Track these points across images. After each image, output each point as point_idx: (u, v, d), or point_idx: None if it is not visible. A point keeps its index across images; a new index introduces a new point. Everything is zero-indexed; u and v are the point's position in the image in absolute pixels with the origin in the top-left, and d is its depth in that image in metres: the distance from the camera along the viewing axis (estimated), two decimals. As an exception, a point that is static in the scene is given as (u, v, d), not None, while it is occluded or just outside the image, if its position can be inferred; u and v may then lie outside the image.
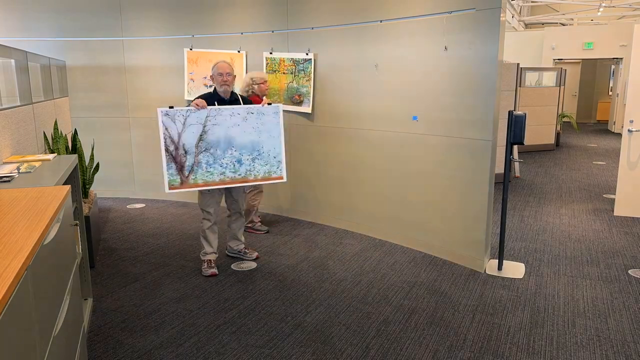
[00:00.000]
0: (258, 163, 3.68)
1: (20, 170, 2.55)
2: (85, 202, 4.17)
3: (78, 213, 3.14)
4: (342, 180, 4.79)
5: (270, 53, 5.00)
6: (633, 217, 5.22)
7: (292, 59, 4.86)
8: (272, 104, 3.70)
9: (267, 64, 5.05)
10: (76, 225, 2.88)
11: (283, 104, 4.87)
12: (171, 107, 3.47)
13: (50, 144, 3.97)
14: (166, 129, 3.47)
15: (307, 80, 4.77)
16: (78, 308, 2.10)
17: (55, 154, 3.80)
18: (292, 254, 4.18)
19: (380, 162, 4.44)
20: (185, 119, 3.50)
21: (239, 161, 3.63)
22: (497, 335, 2.87)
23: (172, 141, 3.49)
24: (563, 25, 15.08)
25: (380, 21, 4.25)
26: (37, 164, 2.71)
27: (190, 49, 5.48)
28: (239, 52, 5.21)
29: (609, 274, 3.75)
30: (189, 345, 2.77)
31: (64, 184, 2.61)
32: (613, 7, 12.19)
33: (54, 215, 1.66)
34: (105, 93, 5.91)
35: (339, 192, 4.85)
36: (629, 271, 3.79)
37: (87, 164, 4.44)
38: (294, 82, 4.85)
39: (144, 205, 5.79)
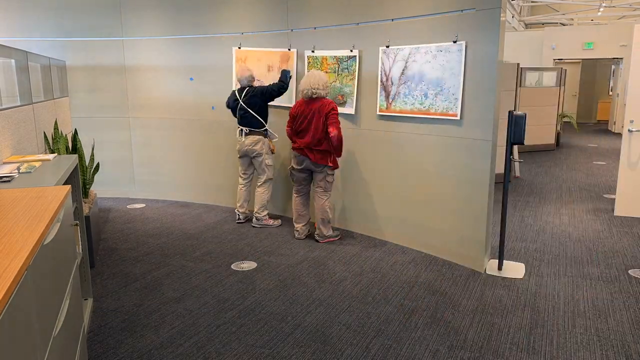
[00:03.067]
0: (439, 98, 3.90)
1: (20, 170, 2.54)
2: (85, 202, 4.17)
3: (78, 213, 3.14)
4: (342, 181, 4.79)
5: (312, 51, 4.77)
6: (633, 217, 5.22)
7: (334, 56, 4.60)
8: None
9: (308, 63, 4.81)
10: (76, 225, 2.88)
11: None
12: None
13: (51, 144, 3.97)
14: (382, 63, 4.21)
15: (350, 79, 4.51)
16: (78, 308, 2.10)
17: (56, 154, 3.80)
18: (292, 254, 4.18)
19: (381, 162, 4.44)
20: (395, 56, 4.12)
21: (426, 95, 3.98)
22: (497, 335, 2.87)
23: (385, 73, 4.22)
24: (563, 25, 15.08)
25: (380, 21, 4.25)
26: (37, 164, 2.71)
27: (239, 48, 5.26)
28: (289, 50, 4.96)
29: (609, 274, 3.75)
30: (189, 345, 2.77)
31: (64, 184, 2.61)
32: (613, 7, 12.19)
33: (54, 215, 1.66)
34: (105, 93, 5.91)
35: (339, 192, 4.85)
36: (629, 271, 3.79)
37: (87, 164, 4.44)
38: (337, 81, 4.63)
39: (144, 205, 5.79)
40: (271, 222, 4.92)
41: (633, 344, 2.77)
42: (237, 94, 4.80)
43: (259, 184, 4.90)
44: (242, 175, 5.00)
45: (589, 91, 16.53)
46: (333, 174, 4.41)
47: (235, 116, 4.86)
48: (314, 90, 4.20)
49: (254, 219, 4.91)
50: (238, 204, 5.03)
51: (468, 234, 3.88)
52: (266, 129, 4.79)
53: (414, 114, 4.07)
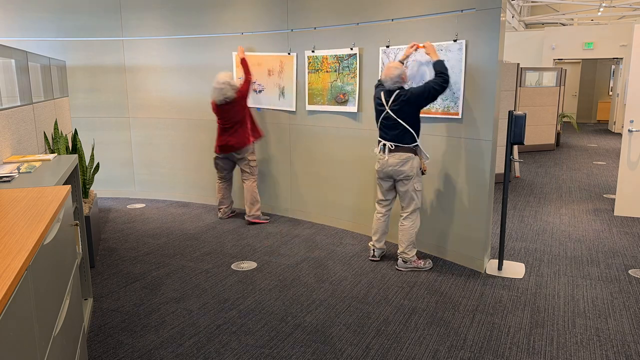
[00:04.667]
0: (440, 97, 3.82)
1: (21, 170, 2.54)
2: (85, 202, 4.17)
3: (78, 213, 3.14)
4: (342, 180, 4.80)
5: (313, 51, 4.76)
6: (633, 217, 5.22)
7: (335, 55, 4.57)
8: (457, 41, 3.69)
9: (309, 62, 4.80)
10: (76, 225, 2.88)
11: (327, 104, 4.73)
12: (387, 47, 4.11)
13: (51, 144, 3.97)
14: (383, 64, 4.17)
15: (352, 77, 4.50)
16: (78, 308, 2.10)
17: (56, 154, 3.80)
18: (292, 254, 4.18)
19: (380, 162, 4.44)
20: (396, 56, 4.07)
21: None
22: (497, 335, 2.87)
23: None
24: (563, 25, 15.08)
25: (380, 21, 4.25)
26: (37, 164, 2.71)
27: None
28: (289, 54, 4.94)
29: (609, 274, 3.75)
30: (189, 345, 2.77)
31: (64, 184, 2.61)
32: (613, 7, 12.20)
33: (54, 215, 1.66)
34: (105, 93, 5.91)
35: (339, 192, 4.85)
36: (629, 271, 3.79)
37: (87, 164, 4.44)
38: (338, 79, 4.62)
39: (144, 205, 5.79)
40: (421, 263, 3.85)
41: (633, 344, 2.77)
42: (383, 96, 3.75)
43: (404, 215, 3.86)
44: (380, 202, 3.99)
45: (589, 91, 16.53)
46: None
47: (378, 121, 3.83)
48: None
49: (399, 261, 3.85)
50: (375, 238, 4.03)
51: (468, 234, 3.88)
52: (417, 145, 3.75)
53: None
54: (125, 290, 3.50)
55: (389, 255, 4.12)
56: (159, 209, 5.63)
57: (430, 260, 3.94)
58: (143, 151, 6.02)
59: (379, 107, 3.78)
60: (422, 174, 3.82)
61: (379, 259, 4.04)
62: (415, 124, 3.69)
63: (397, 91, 3.66)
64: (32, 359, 1.26)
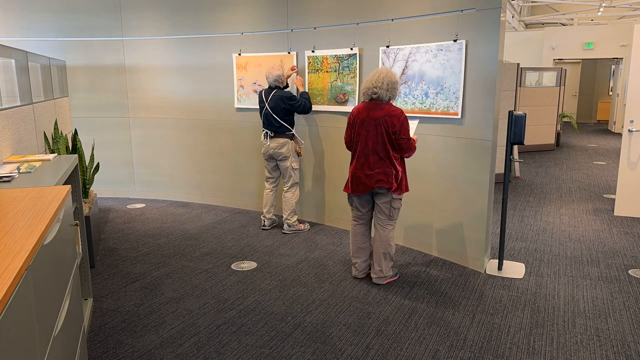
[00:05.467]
0: (440, 97, 3.90)
1: (21, 170, 2.54)
2: (85, 202, 4.17)
3: (78, 213, 3.14)
4: (342, 180, 4.79)
5: (312, 51, 4.76)
6: (633, 217, 5.22)
7: (335, 55, 4.59)
8: (457, 41, 3.73)
9: (309, 62, 4.81)
10: (76, 225, 2.88)
11: (327, 104, 4.74)
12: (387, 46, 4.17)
13: (51, 144, 3.97)
14: (382, 64, 4.24)
15: (352, 77, 4.51)
16: (78, 308, 2.10)
17: (56, 154, 3.80)
18: (292, 254, 4.18)
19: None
20: (395, 56, 4.13)
21: (426, 94, 3.98)
22: (497, 335, 2.87)
23: None
24: (563, 25, 15.08)
25: (380, 21, 4.25)
26: (37, 164, 2.71)
27: (239, 54, 5.26)
28: (289, 53, 4.95)
29: (609, 274, 3.75)
30: (189, 345, 2.77)
31: (64, 184, 2.61)
32: (613, 7, 12.20)
33: (54, 215, 1.66)
34: (105, 93, 5.91)
35: (339, 192, 4.85)
36: (629, 271, 3.79)
37: (87, 164, 4.44)
38: (338, 79, 4.65)
39: (144, 205, 5.79)
40: (302, 226, 4.77)
41: (633, 344, 2.77)
42: (263, 95, 4.61)
43: (285, 188, 4.72)
44: (268, 179, 4.80)
45: (589, 91, 16.53)
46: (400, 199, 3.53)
47: (261, 117, 4.65)
48: (375, 90, 3.37)
49: (285, 226, 4.69)
50: (264, 210, 4.81)
51: (468, 234, 3.88)
52: (292, 133, 4.62)
53: (415, 113, 4.07)
54: (125, 290, 3.50)
55: (397, 255, 4.12)
56: (159, 209, 5.63)
57: (308, 224, 4.89)
58: (143, 151, 6.02)
59: (261, 104, 4.63)
60: (299, 155, 4.74)
61: (269, 227, 4.83)
62: (287, 118, 4.55)
63: (274, 90, 4.55)
64: (32, 359, 1.26)
